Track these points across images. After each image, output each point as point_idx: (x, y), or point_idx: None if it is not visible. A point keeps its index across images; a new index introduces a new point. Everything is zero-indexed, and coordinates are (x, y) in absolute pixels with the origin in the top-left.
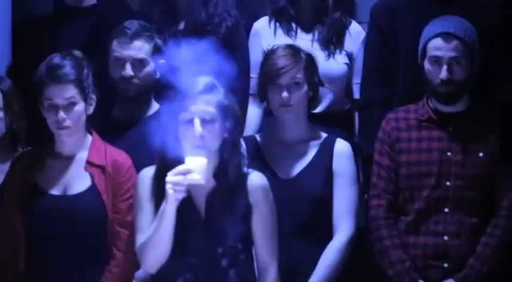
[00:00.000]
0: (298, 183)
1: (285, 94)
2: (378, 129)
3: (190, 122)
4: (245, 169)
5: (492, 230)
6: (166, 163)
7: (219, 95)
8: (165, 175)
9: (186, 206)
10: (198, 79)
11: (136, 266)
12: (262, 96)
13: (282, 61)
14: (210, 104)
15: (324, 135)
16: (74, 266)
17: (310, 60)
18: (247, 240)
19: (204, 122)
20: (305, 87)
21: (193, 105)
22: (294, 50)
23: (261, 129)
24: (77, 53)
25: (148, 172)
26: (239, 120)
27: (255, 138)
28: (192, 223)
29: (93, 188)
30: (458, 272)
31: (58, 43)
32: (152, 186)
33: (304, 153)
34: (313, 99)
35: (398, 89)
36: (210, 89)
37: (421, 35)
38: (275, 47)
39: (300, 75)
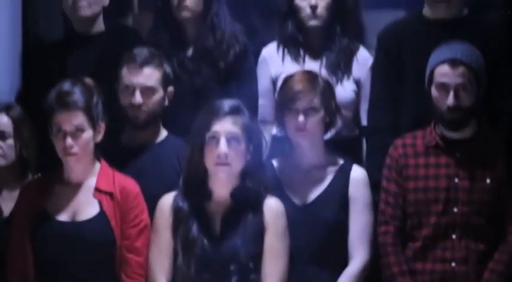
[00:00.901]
0: (313, 210)
1: (301, 119)
2: (385, 156)
3: (216, 141)
4: (263, 193)
5: (499, 256)
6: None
7: (245, 117)
8: (188, 200)
9: (202, 221)
10: (224, 101)
11: None
12: (279, 121)
13: (299, 86)
14: (236, 125)
15: (340, 161)
16: None
17: (327, 86)
18: (259, 261)
19: (229, 141)
20: (321, 113)
21: (220, 124)
22: (311, 76)
23: (271, 155)
24: (88, 80)
25: (168, 199)
26: (263, 144)
27: (271, 163)
28: (207, 239)
29: (101, 214)
30: None
31: (68, 70)
32: (171, 212)
33: (320, 179)
34: (329, 124)
35: (406, 114)
36: (236, 110)
37: (427, 61)
38: (293, 72)
39: (316, 100)
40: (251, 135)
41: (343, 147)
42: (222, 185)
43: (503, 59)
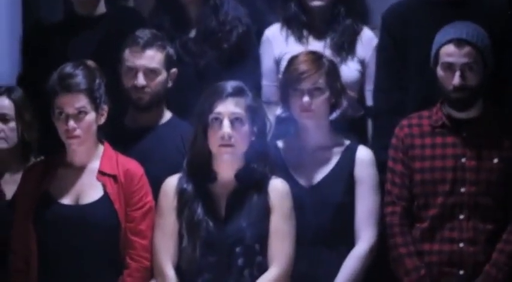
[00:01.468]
0: (319, 191)
1: (306, 99)
2: (391, 136)
3: (219, 122)
4: (268, 174)
5: (508, 237)
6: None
7: (248, 99)
8: (192, 182)
9: (207, 203)
10: (227, 82)
11: (151, 274)
12: (284, 102)
13: (303, 66)
14: (239, 106)
15: (346, 142)
16: (87, 275)
17: (332, 66)
18: (265, 243)
19: (232, 122)
20: (327, 93)
21: (223, 106)
22: (316, 56)
23: (275, 136)
24: (90, 62)
25: (172, 181)
26: (267, 125)
27: (276, 144)
28: (212, 221)
29: (105, 197)
30: (474, 279)
31: (68, 52)
32: (176, 194)
33: (326, 160)
34: (335, 105)
35: (411, 95)
36: (239, 91)
37: (432, 41)
38: (297, 53)
39: (321, 81)
40: (255, 116)
41: (349, 128)
42: (226, 166)
43: (508, 39)
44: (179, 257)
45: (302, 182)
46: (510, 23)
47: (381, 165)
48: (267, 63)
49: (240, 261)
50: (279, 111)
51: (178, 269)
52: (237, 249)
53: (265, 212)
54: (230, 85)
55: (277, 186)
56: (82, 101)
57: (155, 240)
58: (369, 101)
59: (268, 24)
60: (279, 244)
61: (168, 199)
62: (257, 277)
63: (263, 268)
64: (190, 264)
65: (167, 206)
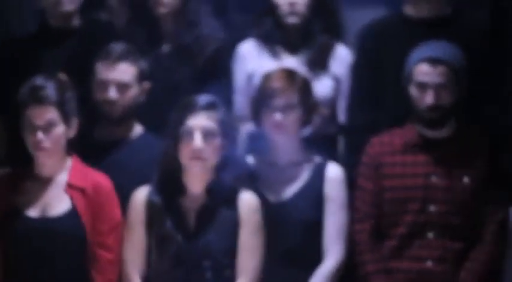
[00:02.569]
0: (289, 207)
1: (278, 116)
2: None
3: (191, 135)
4: (238, 188)
5: (476, 256)
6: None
7: (220, 113)
8: (163, 194)
9: (176, 216)
10: (199, 96)
11: None
12: (256, 117)
13: (276, 83)
14: (210, 119)
15: (317, 158)
16: None
17: (306, 83)
18: (234, 257)
19: (204, 136)
20: (299, 110)
21: (194, 119)
22: (289, 73)
23: (247, 151)
24: (62, 75)
25: (141, 194)
26: (237, 139)
27: (247, 159)
28: (181, 234)
29: (73, 210)
30: None
31: (41, 64)
32: (145, 207)
33: (296, 177)
34: (306, 121)
35: (385, 113)
36: (211, 105)
37: (407, 59)
38: (271, 69)
39: (294, 98)
40: (226, 130)
41: (321, 145)
42: (196, 179)
43: (485, 59)
44: (148, 270)
45: (271, 197)
46: (488, 43)
47: (352, 182)
48: (239, 78)
49: (208, 274)
50: (250, 126)
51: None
52: (206, 263)
53: (235, 225)
54: (202, 99)
55: (247, 201)
56: (52, 113)
57: (124, 253)
58: (342, 118)
59: (242, 39)
60: (248, 258)
61: (136, 212)
62: None
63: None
64: (159, 277)
65: (136, 219)
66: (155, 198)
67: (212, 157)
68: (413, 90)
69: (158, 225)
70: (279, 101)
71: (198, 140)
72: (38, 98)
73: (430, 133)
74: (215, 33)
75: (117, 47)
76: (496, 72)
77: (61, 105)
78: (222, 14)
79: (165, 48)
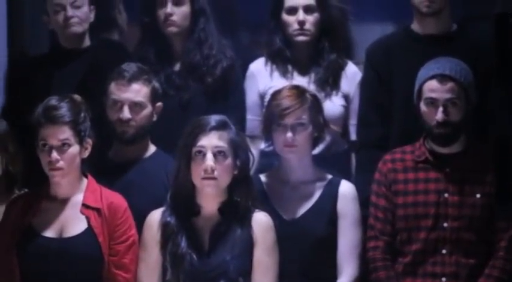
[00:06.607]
0: (302, 225)
1: (289, 135)
2: (374, 171)
3: (202, 155)
4: (251, 208)
5: (490, 272)
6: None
7: (231, 132)
8: (175, 215)
9: (190, 236)
10: (210, 116)
11: None
12: (267, 136)
13: (287, 102)
14: (222, 139)
15: (328, 176)
16: None
17: (316, 101)
18: (249, 276)
19: (215, 156)
20: (310, 128)
21: (206, 139)
22: (299, 91)
23: (259, 170)
24: (76, 96)
25: (156, 215)
26: (250, 159)
27: (259, 178)
28: (195, 254)
29: (89, 230)
30: None
31: (54, 84)
32: (159, 227)
33: (308, 195)
34: (318, 139)
35: (395, 129)
36: (222, 125)
37: (416, 76)
38: (281, 87)
39: (305, 116)
40: (238, 150)
41: (332, 162)
42: (209, 199)
43: (492, 74)
44: None
45: (284, 215)
46: (494, 59)
47: (364, 199)
48: (251, 97)
49: None
50: (262, 145)
51: None
52: None
53: (249, 245)
54: (213, 119)
55: (260, 220)
56: (66, 133)
57: (139, 274)
58: (353, 136)
59: (253, 58)
60: (262, 277)
61: (151, 232)
62: None
63: None
64: None
65: (151, 239)
66: (169, 218)
67: (224, 176)
68: (423, 107)
69: (173, 245)
70: (289, 120)
71: (210, 160)
72: (52, 118)
73: (441, 149)
74: (225, 52)
75: (130, 67)
76: (502, 86)
77: (75, 125)
78: (232, 33)
79: (176, 67)
